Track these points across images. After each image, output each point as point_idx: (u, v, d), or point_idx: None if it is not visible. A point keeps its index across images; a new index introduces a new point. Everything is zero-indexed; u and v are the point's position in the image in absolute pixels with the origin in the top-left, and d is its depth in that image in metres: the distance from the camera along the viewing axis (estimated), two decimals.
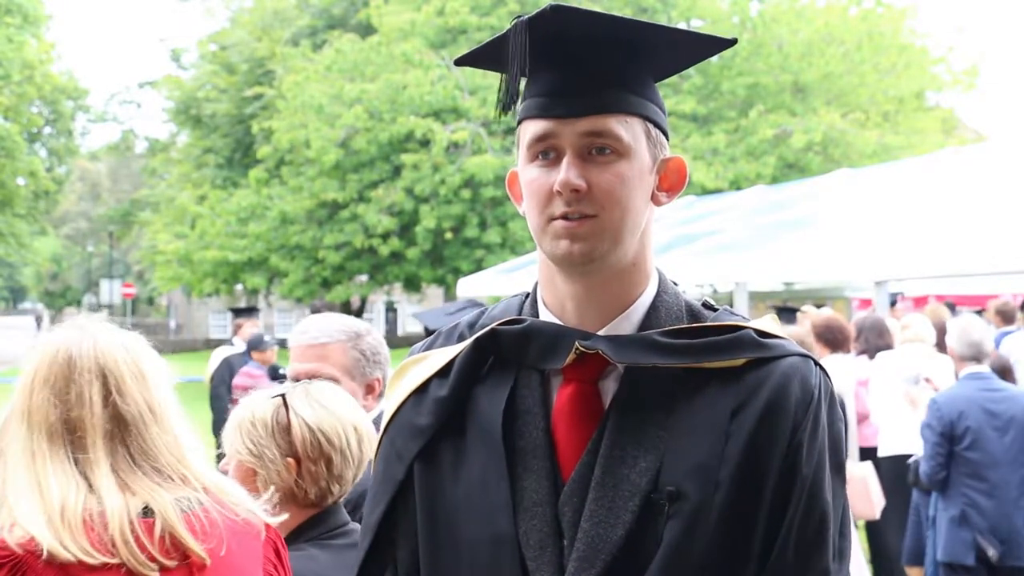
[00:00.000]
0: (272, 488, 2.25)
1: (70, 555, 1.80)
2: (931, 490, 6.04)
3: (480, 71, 1.70)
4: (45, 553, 1.80)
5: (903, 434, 6.98)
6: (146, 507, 1.90)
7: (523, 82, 1.56)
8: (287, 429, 2.34)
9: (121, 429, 1.96)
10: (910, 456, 6.54)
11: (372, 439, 2.36)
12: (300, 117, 26.17)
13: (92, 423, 1.94)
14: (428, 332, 5.79)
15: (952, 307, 10.84)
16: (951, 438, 5.69)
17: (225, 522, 1.98)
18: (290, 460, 2.33)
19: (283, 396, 2.37)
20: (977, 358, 5.80)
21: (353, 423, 2.39)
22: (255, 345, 9.82)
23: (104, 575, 1.83)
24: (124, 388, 1.97)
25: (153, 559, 1.86)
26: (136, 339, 2.06)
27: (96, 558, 1.82)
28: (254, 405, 2.39)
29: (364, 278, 28.42)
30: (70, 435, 1.94)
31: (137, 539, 1.86)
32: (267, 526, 2.09)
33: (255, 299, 35.60)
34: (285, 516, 2.19)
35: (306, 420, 2.35)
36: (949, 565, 5.72)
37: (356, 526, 2.37)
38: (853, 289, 13.18)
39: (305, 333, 2.96)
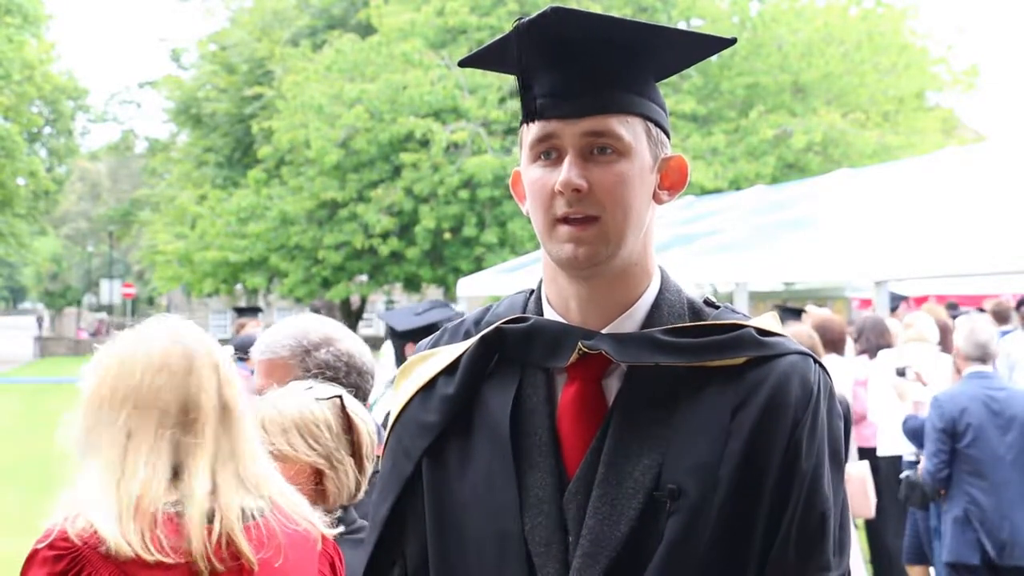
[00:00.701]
0: (332, 498, 2.35)
1: (130, 551, 1.81)
2: (925, 503, 6.04)
3: (480, 71, 1.72)
4: (109, 549, 1.80)
5: (903, 434, 6.98)
6: (211, 508, 1.92)
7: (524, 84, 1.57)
8: (350, 429, 2.44)
9: (227, 418, 1.99)
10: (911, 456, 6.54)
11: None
12: (300, 117, 26.19)
13: (211, 406, 1.97)
14: (394, 333, 5.58)
15: (954, 307, 10.83)
16: (953, 435, 5.69)
17: (284, 531, 1.99)
18: (352, 459, 2.43)
19: (340, 397, 2.46)
20: (983, 359, 5.80)
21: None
22: (239, 347, 9.87)
23: (159, 574, 1.84)
24: (229, 379, 2.03)
25: (209, 560, 1.88)
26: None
27: (153, 555, 1.82)
28: (309, 407, 2.42)
29: (364, 278, 28.42)
30: (183, 416, 1.95)
31: (203, 538, 1.88)
32: (324, 538, 2.11)
33: (255, 299, 35.56)
34: (341, 528, 2.22)
35: (363, 419, 2.47)
36: (952, 565, 5.72)
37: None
38: (853, 289, 13.18)
39: (257, 345, 2.82)
